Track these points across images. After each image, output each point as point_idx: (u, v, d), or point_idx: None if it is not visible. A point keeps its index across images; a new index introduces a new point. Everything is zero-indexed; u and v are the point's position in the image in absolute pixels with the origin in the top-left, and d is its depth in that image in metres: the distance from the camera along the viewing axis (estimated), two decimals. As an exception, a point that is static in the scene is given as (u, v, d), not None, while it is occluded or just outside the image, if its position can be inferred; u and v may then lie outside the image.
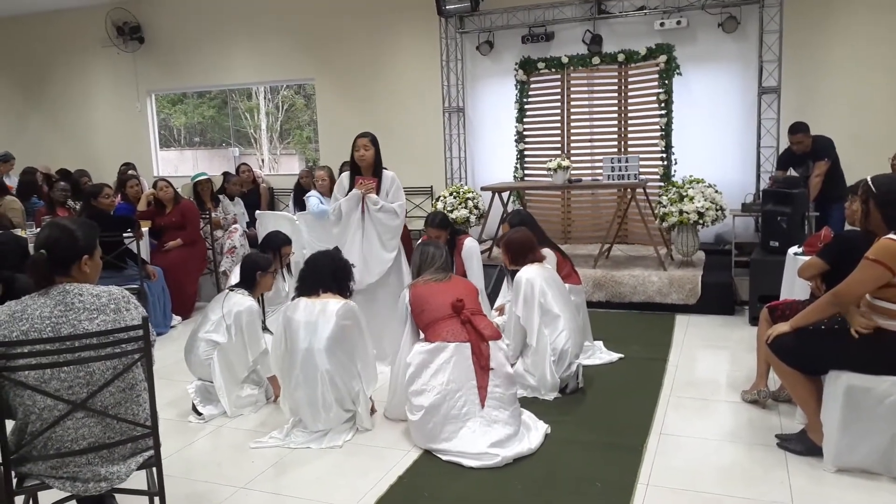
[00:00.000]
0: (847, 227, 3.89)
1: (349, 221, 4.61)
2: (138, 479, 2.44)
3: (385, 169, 4.70)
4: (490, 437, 3.28)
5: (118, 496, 2.56)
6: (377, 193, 4.58)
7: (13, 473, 2.23)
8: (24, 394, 2.18)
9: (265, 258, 4.22)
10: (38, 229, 5.11)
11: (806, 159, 5.94)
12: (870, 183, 3.02)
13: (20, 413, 2.21)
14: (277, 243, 4.56)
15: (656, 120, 6.97)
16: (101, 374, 2.22)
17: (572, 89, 7.50)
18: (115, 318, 2.26)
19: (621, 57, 7.12)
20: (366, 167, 4.61)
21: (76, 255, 2.31)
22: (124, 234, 5.45)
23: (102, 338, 2.21)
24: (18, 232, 5.76)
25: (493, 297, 5.11)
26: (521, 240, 4.25)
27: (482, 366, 3.40)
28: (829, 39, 6.91)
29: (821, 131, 6.05)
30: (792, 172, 5.97)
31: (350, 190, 4.61)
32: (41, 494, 2.46)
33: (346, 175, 4.71)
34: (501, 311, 4.70)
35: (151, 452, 2.37)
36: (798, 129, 5.94)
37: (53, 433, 2.20)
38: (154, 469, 2.39)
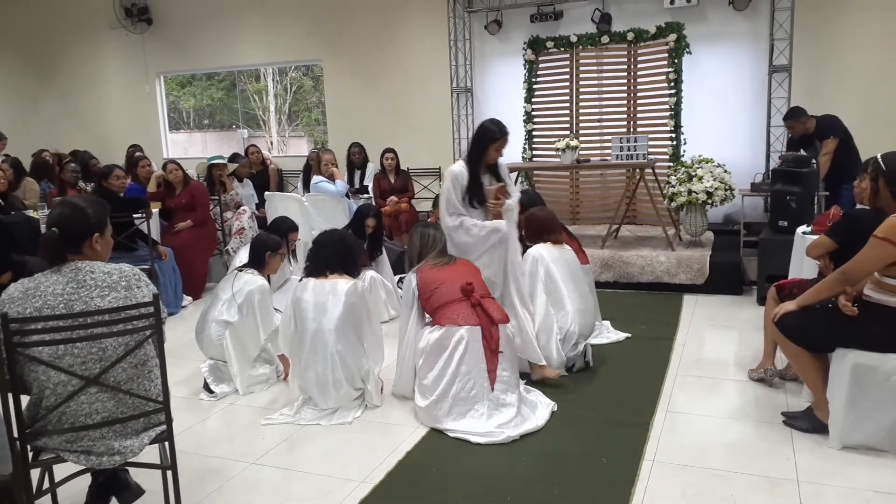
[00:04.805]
0: (858, 206, 3.86)
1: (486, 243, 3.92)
2: (151, 454, 2.49)
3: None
4: (497, 419, 3.33)
5: (131, 470, 2.61)
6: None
7: (28, 447, 2.27)
8: (38, 369, 2.22)
9: (274, 239, 4.24)
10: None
11: (812, 140, 5.90)
12: (879, 160, 3.02)
13: (35, 388, 2.25)
14: (284, 229, 4.58)
15: (665, 99, 6.91)
16: (113, 350, 2.26)
17: (581, 69, 7.44)
18: (126, 296, 2.30)
19: (630, 36, 7.05)
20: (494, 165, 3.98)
21: (87, 233, 2.34)
22: (135, 215, 5.49)
23: (114, 314, 2.25)
24: (31, 213, 5.82)
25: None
26: (541, 219, 4.26)
27: (492, 349, 3.43)
28: (841, 16, 6.81)
29: (833, 109, 5.99)
30: (802, 153, 5.93)
31: (473, 188, 3.89)
32: (56, 468, 2.51)
33: (464, 170, 3.90)
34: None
35: (164, 427, 2.41)
36: (787, 116, 6.00)
37: (67, 408, 2.24)
38: (167, 443, 2.44)
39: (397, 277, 5.55)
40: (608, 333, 4.73)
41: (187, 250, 6.14)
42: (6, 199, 6.04)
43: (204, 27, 9.56)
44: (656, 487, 2.83)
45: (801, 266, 4.17)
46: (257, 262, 4.12)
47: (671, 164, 6.74)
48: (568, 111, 7.53)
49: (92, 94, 10.49)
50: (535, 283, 4.01)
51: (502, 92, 8.05)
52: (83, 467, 2.35)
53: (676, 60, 6.81)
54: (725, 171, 6.07)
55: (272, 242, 4.19)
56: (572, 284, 4.12)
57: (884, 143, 4.64)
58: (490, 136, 3.86)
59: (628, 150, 6.30)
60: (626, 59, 7.23)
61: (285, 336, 3.77)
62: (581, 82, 7.46)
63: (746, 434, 3.27)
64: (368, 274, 5.16)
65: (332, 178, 6.84)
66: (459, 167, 3.91)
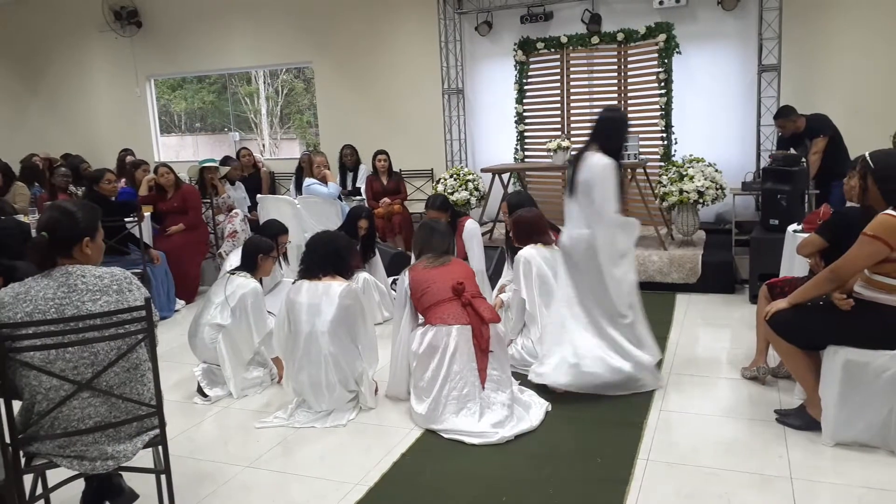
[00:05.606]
0: (848, 204, 3.89)
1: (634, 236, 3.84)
2: (145, 458, 2.48)
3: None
4: (489, 418, 3.33)
5: (125, 474, 2.61)
6: None
7: (21, 453, 2.26)
8: (29, 374, 2.21)
9: (267, 242, 4.23)
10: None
11: (802, 138, 5.93)
12: (868, 159, 3.03)
13: (26, 394, 2.24)
14: (274, 232, 4.56)
15: (656, 99, 6.94)
16: (105, 355, 2.25)
17: (572, 69, 7.46)
18: (117, 299, 2.29)
19: (620, 36, 7.07)
20: None
21: (77, 237, 2.33)
22: (126, 220, 5.47)
23: (106, 318, 2.24)
24: (21, 218, 5.78)
25: (494, 278, 5.13)
26: (527, 220, 4.26)
27: (482, 348, 3.43)
28: (829, 15, 6.85)
29: (822, 108, 6.03)
30: (792, 152, 5.97)
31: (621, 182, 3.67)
32: (49, 473, 2.49)
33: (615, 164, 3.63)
34: (502, 290, 4.73)
35: (157, 431, 2.40)
36: (778, 114, 6.03)
37: (60, 413, 2.23)
38: (160, 448, 2.43)
39: (391, 279, 5.54)
40: (601, 333, 4.73)
41: (179, 254, 6.12)
42: (-5, 203, 6.00)
43: (194, 30, 9.54)
44: (651, 486, 2.84)
45: (793, 264, 4.19)
46: (249, 264, 4.11)
47: (662, 163, 6.76)
48: (559, 112, 7.54)
49: (82, 98, 10.44)
50: (529, 286, 4.02)
51: (493, 93, 8.06)
52: (76, 472, 2.34)
53: (666, 60, 6.83)
54: (716, 171, 6.10)
55: (264, 245, 4.18)
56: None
57: (872, 141, 4.68)
58: (627, 124, 3.85)
59: (619, 150, 6.31)
60: (616, 60, 7.26)
61: (279, 338, 3.77)
62: (572, 83, 7.48)
63: (740, 432, 3.28)
64: (361, 276, 5.16)
65: (324, 180, 6.83)
66: (610, 160, 3.61)
